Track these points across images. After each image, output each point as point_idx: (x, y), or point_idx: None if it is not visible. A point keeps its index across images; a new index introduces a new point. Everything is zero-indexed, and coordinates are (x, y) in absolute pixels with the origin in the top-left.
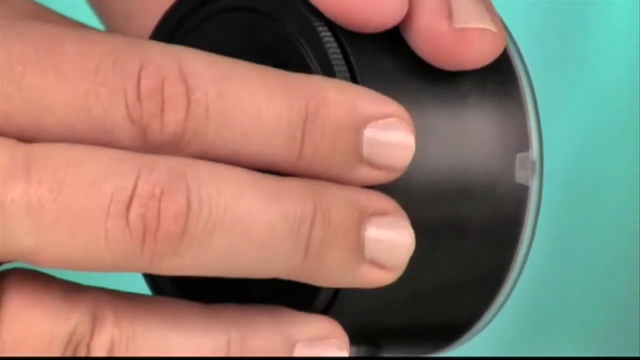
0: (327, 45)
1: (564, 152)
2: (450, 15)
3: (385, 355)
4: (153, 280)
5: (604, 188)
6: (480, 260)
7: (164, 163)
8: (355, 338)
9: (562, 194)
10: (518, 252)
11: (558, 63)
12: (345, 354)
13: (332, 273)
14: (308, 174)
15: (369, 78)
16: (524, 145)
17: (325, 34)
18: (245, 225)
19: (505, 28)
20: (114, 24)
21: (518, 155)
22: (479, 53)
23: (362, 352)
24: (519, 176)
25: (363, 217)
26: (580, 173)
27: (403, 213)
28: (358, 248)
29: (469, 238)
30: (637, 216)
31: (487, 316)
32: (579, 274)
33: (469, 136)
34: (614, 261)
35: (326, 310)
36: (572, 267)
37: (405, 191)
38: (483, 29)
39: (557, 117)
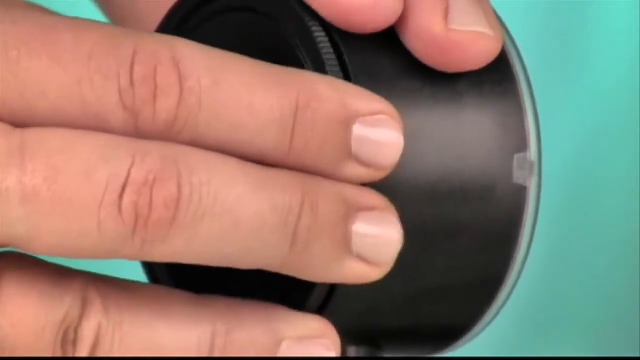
0: (321, 45)
1: (563, 152)
2: (445, 17)
3: (385, 355)
4: (150, 269)
5: (604, 188)
6: (478, 260)
7: (156, 149)
8: (354, 338)
9: (562, 195)
10: (517, 252)
11: (558, 63)
12: (332, 354)
13: (318, 266)
14: (298, 168)
15: (364, 78)
16: (522, 146)
17: (319, 34)
18: (234, 213)
19: (504, 27)
20: (122, 22)
21: (516, 156)
22: (474, 56)
23: (362, 352)
24: (517, 177)
25: (350, 210)
26: (580, 173)
27: (392, 209)
28: (344, 242)
29: (466, 238)
30: (637, 216)
31: (486, 317)
32: (579, 274)
33: (466, 136)
34: (614, 261)
35: (321, 309)
36: (572, 267)
37: (401, 191)
38: (478, 32)
39: (557, 117)
